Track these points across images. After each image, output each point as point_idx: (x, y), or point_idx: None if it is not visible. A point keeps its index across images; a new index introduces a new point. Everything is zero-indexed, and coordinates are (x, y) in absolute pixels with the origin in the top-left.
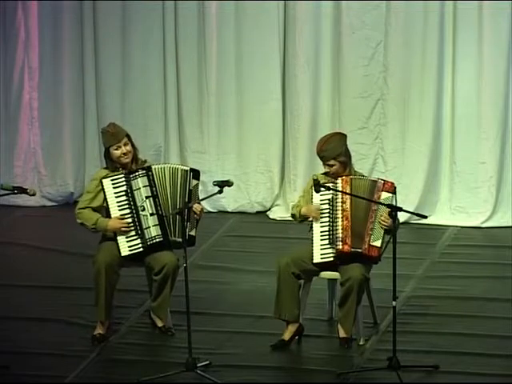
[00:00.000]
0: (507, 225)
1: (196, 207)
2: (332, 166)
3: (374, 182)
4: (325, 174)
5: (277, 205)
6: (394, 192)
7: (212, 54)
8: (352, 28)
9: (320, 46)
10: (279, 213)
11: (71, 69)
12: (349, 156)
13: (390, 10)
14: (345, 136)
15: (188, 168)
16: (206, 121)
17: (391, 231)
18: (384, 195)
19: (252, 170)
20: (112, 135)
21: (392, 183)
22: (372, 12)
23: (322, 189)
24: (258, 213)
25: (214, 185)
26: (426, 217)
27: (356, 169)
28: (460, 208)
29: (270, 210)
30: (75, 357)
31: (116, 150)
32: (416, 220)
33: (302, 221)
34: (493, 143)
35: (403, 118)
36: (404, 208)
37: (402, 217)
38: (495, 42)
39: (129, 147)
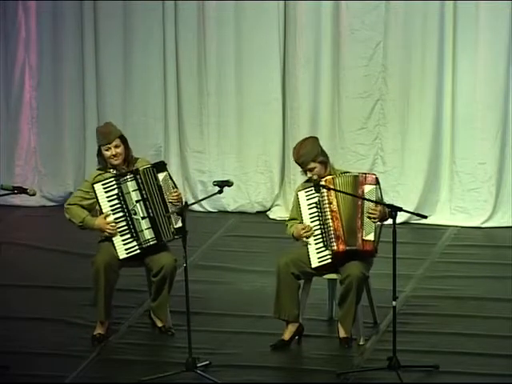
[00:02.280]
0: (507, 225)
1: (172, 198)
2: (313, 168)
3: (356, 177)
4: (307, 181)
5: (277, 205)
6: (377, 183)
7: (212, 54)
8: (351, 28)
9: (320, 46)
10: (279, 213)
11: (72, 68)
12: (326, 155)
13: (389, 10)
14: (317, 138)
15: (149, 165)
16: (205, 121)
17: (382, 220)
18: (367, 188)
19: (252, 169)
20: (103, 135)
21: (373, 175)
22: (371, 12)
23: (322, 189)
24: (258, 213)
25: (214, 185)
26: (426, 217)
27: (337, 167)
28: (460, 208)
29: (270, 210)
30: (75, 357)
31: (106, 150)
32: (416, 220)
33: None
34: (492, 143)
35: (403, 118)
36: (404, 208)
37: (402, 217)
38: (495, 43)
39: (119, 149)
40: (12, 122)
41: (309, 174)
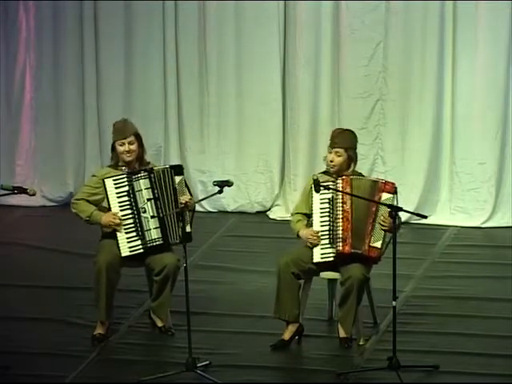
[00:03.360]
0: (507, 225)
1: (184, 200)
2: (339, 155)
3: (375, 182)
4: (324, 172)
5: (277, 205)
6: (394, 192)
7: (212, 55)
8: (352, 28)
9: (320, 46)
10: (279, 213)
11: (72, 69)
12: (356, 156)
13: (389, 10)
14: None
15: (168, 166)
16: (206, 121)
17: (392, 231)
18: (385, 196)
19: (252, 170)
20: (119, 131)
21: (393, 184)
22: (372, 12)
23: (322, 189)
24: (258, 213)
25: (214, 185)
26: (426, 217)
27: (355, 169)
28: (460, 208)
29: (270, 210)
30: (75, 357)
31: (120, 145)
32: (416, 220)
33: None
34: (492, 143)
35: (403, 118)
36: (404, 208)
37: (402, 217)
38: (495, 43)
39: (134, 146)
40: (12, 122)
41: (329, 157)
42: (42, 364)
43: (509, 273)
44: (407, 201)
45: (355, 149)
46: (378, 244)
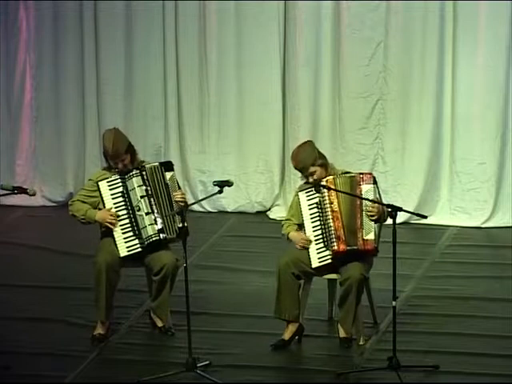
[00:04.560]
0: (507, 225)
1: (179, 197)
2: (314, 172)
3: (353, 177)
4: (307, 182)
5: (277, 205)
6: (374, 182)
7: (212, 55)
8: (352, 28)
9: (320, 46)
10: (279, 213)
11: (72, 68)
12: (324, 157)
13: (389, 10)
14: (312, 142)
15: (157, 163)
16: (206, 121)
17: (380, 221)
18: (365, 188)
19: (252, 170)
20: (112, 153)
21: (370, 174)
22: (372, 12)
23: (324, 189)
24: (258, 213)
25: (214, 185)
26: (425, 217)
27: (338, 167)
28: (460, 208)
29: (269, 210)
30: (75, 357)
31: (114, 163)
32: (416, 220)
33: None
34: (493, 143)
35: (403, 118)
36: (404, 208)
37: (402, 217)
38: (495, 42)
39: (127, 161)
40: (13, 122)
41: (310, 179)
42: (42, 364)
43: (509, 273)
44: (407, 201)
45: (319, 154)
46: (371, 235)
